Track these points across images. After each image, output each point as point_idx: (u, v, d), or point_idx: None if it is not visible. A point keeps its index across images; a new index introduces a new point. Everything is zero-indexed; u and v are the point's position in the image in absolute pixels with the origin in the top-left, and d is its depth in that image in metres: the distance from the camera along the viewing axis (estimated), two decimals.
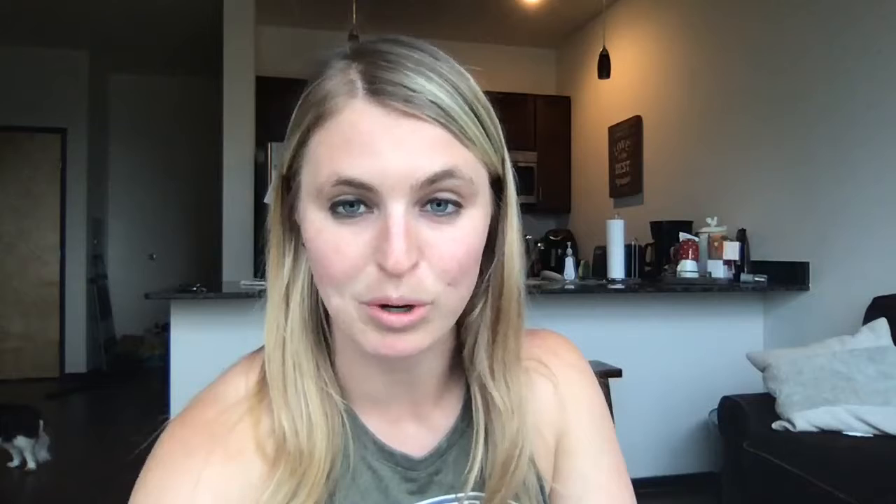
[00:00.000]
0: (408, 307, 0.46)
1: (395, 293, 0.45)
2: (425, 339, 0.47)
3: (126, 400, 5.19)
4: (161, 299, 2.60)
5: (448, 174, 0.45)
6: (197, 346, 2.53)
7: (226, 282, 3.65)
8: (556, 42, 5.72)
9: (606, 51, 4.09)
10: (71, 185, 5.81)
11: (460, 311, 0.50)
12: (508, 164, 0.52)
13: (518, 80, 5.59)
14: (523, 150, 5.27)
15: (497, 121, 0.50)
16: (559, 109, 5.54)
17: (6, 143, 5.72)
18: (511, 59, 5.71)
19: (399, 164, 0.44)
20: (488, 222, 0.50)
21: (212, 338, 2.45)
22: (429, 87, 0.45)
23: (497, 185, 0.51)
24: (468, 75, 0.49)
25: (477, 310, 0.53)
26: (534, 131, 5.42)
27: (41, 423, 3.31)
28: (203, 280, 3.04)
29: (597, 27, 4.77)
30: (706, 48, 3.77)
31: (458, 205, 0.46)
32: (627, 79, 4.55)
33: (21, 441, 3.27)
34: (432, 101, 0.45)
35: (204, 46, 5.17)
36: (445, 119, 0.45)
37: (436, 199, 0.46)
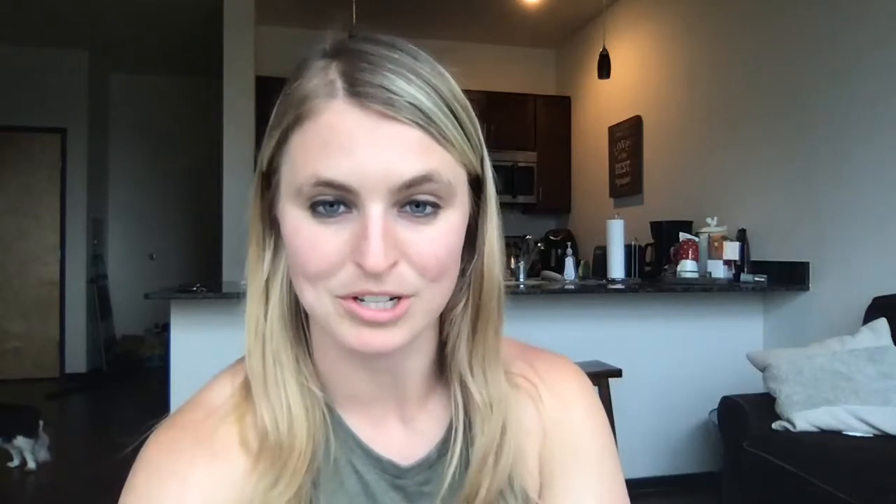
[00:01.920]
0: (392, 300, 0.46)
1: (376, 288, 0.45)
2: (403, 335, 0.47)
3: (126, 400, 5.19)
4: (161, 299, 2.60)
5: (426, 178, 0.45)
6: (197, 346, 2.53)
7: (226, 282, 3.65)
8: (556, 42, 5.72)
9: (606, 51, 4.09)
10: (71, 185, 5.81)
11: (440, 310, 0.51)
12: (487, 163, 0.52)
13: (518, 80, 5.60)
14: (523, 150, 5.26)
15: (476, 120, 0.50)
16: (559, 109, 5.54)
17: (6, 143, 5.72)
18: (511, 59, 5.71)
19: (378, 167, 0.44)
20: (466, 221, 0.50)
21: (212, 338, 2.44)
22: (409, 89, 0.45)
23: (476, 183, 0.52)
24: (448, 76, 0.49)
25: (459, 307, 0.54)
26: (534, 131, 5.41)
27: (41, 423, 3.31)
28: (203, 280, 3.04)
29: (597, 27, 4.77)
30: (706, 48, 3.77)
31: (435, 206, 0.47)
32: (627, 79, 4.55)
33: (21, 441, 3.26)
34: (412, 104, 0.45)
35: (204, 46, 5.17)
36: (425, 121, 0.45)
37: (414, 201, 0.46)
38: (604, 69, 4.06)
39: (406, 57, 0.47)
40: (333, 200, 0.45)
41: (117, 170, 6.52)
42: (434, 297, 0.48)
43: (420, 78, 0.46)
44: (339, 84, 0.46)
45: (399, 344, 0.47)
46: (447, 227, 0.47)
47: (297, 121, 0.47)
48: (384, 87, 0.45)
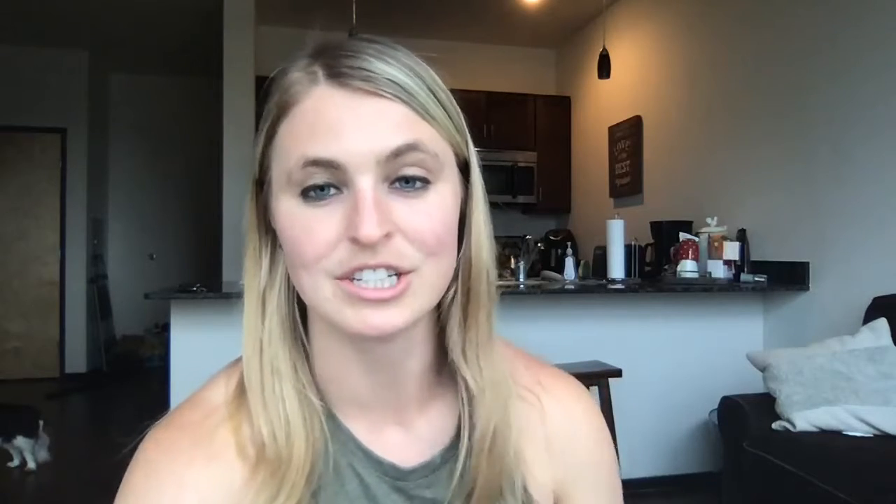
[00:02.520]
0: (391, 276, 0.46)
1: (372, 260, 0.45)
2: (405, 314, 0.47)
3: (126, 400, 5.19)
4: (161, 299, 2.60)
5: (412, 147, 0.46)
6: (197, 346, 2.53)
7: (226, 282, 3.65)
8: (556, 42, 5.71)
9: (606, 51, 4.09)
10: (71, 185, 5.81)
11: (441, 291, 0.51)
12: (472, 148, 0.53)
13: (518, 80, 5.59)
14: (523, 150, 5.26)
15: (457, 106, 0.51)
16: (559, 109, 5.54)
17: (6, 143, 5.72)
18: (511, 59, 5.71)
19: (364, 141, 0.45)
20: (458, 199, 0.51)
21: (212, 338, 2.44)
22: (388, 69, 0.46)
23: (464, 169, 0.52)
24: (426, 65, 0.50)
25: (450, 293, 0.53)
26: (534, 131, 5.41)
27: (41, 423, 3.31)
28: (203, 280, 3.04)
29: (597, 27, 4.77)
30: (706, 48, 3.77)
31: (425, 180, 0.47)
32: (627, 79, 4.55)
33: (21, 441, 3.26)
34: (392, 80, 0.46)
35: (204, 46, 5.17)
36: (407, 97, 0.46)
37: (403, 176, 0.47)
38: (604, 69, 4.06)
39: (385, 47, 0.48)
40: (323, 183, 0.46)
41: (117, 170, 6.52)
42: (434, 274, 0.48)
43: (398, 61, 0.47)
44: (321, 73, 0.47)
45: (402, 324, 0.47)
46: (439, 201, 0.48)
47: (283, 111, 0.48)
48: (363, 68, 0.46)
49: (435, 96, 0.48)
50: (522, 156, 5.24)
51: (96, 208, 6.12)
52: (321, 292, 0.47)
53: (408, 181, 0.47)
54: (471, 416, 0.54)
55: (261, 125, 0.50)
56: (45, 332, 5.79)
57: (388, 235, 0.45)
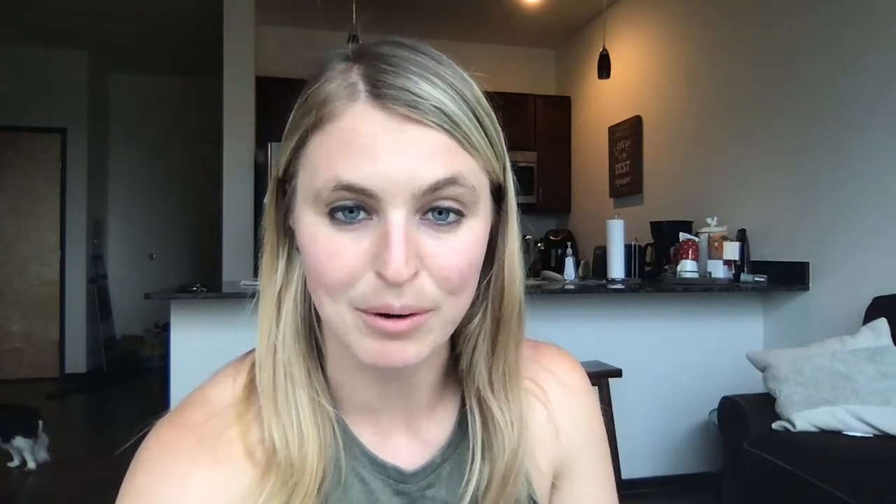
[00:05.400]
0: (410, 315, 0.45)
1: (397, 302, 0.44)
2: (423, 348, 0.46)
3: (126, 400, 5.19)
4: (161, 299, 2.60)
5: (450, 182, 0.44)
6: (197, 346, 2.53)
7: (226, 282, 3.65)
8: (556, 42, 5.72)
9: (606, 51, 4.08)
10: (71, 185, 5.81)
11: (459, 321, 0.49)
12: (510, 172, 0.51)
13: (518, 80, 5.59)
14: (523, 150, 5.27)
15: (499, 128, 0.49)
16: (559, 109, 5.54)
17: (6, 143, 5.72)
18: (511, 59, 5.71)
19: (401, 171, 0.43)
20: (489, 229, 0.49)
21: (212, 338, 2.44)
22: (433, 92, 0.44)
23: (498, 192, 0.50)
24: (472, 81, 0.48)
25: (476, 320, 0.52)
26: (534, 131, 5.42)
27: (40, 423, 3.31)
28: (203, 280, 3.04)
29: (597, 27, 4.77)
30: (706, 48, 3.77)
31: (459, 213, 0.45)
32: (627, 79, 4.55)
33: (20, 441, 3.26)
34: (437, 107, 0.44)
35: (204, 46, 5.17)
36: (450, 125, 0.44)
37: (437, 208, 0.45)
38: (604, 69, 4.06)
39: (429, 60, 0.46)
40: (353, 206, 0.44)
41: (117, 170, 6.52)
42: (452, 311, 0.47)
43: (444, 81, 0.45)
44: (361, 86, 0.44)
45: (416, 359, 0.46)
46: (471, 238, 0.46)
47: (317, 124, 0.45)
48: (408, 90, 0.43)
49: (479, 121, 0.46)
50: (522, 156, 5.25)
51: (96, 208, 6.12)
52: (342, 320, 0.46)
53: (441, 212, 0.45)
54: (487, 447, 0.54)
55: (291, 129, 0.48)
56: (45, 332, 5.79)
57: (414, 274, 0.44)
